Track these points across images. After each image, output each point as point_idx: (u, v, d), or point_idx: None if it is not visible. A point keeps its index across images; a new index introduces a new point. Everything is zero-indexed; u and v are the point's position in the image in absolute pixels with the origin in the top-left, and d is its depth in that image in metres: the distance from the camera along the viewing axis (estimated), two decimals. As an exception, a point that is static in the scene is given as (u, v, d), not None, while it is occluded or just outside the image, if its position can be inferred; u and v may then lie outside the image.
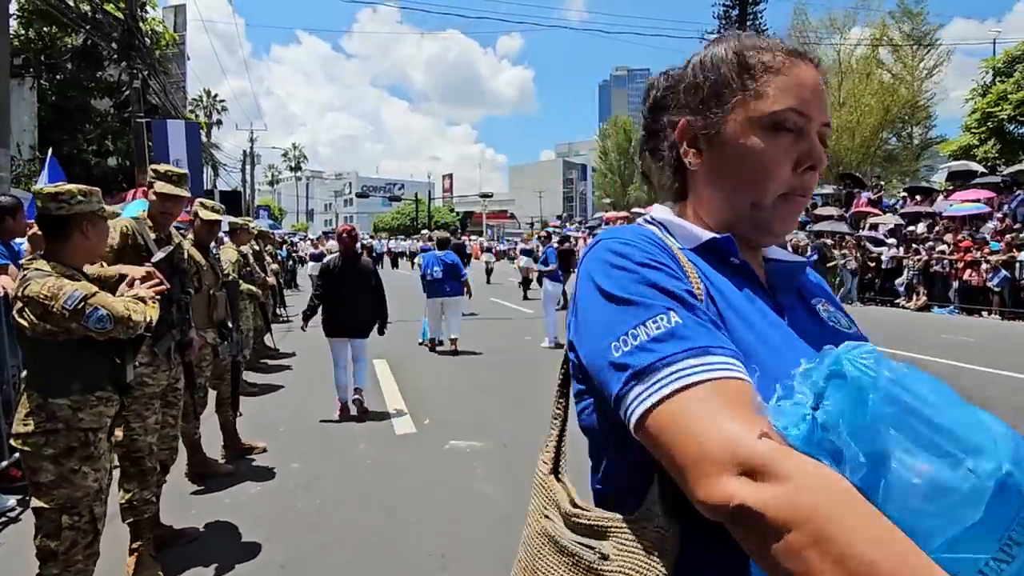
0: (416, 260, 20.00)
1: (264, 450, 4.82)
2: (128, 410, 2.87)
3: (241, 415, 4.99)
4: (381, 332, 5.88)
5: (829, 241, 17.72)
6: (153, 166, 3.40)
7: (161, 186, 3.23)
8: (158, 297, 2.56)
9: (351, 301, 5.69)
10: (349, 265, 5.73)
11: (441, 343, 9.11)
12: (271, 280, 8.34)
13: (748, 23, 39.75)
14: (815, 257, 17.03)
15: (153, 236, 3.24)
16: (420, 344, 9.35)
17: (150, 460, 2.99)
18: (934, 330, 11.71)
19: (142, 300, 2.43)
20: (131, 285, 2.52)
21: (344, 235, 5.78)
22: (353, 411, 5.71)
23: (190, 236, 4.26)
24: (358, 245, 5.89)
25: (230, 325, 4.30)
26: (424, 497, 3.94)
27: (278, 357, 8.67)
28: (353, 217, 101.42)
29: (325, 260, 6.20)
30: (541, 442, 0.91)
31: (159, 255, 3.06)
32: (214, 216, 4.18)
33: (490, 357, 8.59)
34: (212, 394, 4.91)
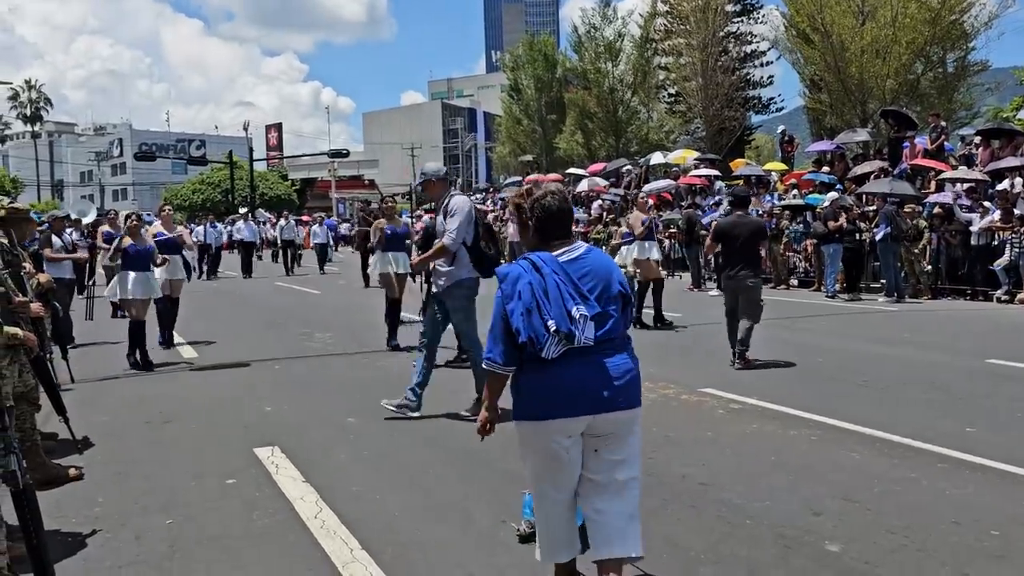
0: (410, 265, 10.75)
1: None
2: None
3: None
4: None
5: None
6: None
7: None
8: None
9: None
10: None
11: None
12: (36, 307, 5.94)
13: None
14: (886, 229, 16.14)
15: None
16: (521, 535, 4.44)
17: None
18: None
19: None
20: None
21: None
22: None
23: None
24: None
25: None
26: None
27: (59, 451, 6.30)
28: (128, 190, 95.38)
29: None
30: None
31: None
32: None
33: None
34: None
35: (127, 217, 11.35)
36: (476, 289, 7.27)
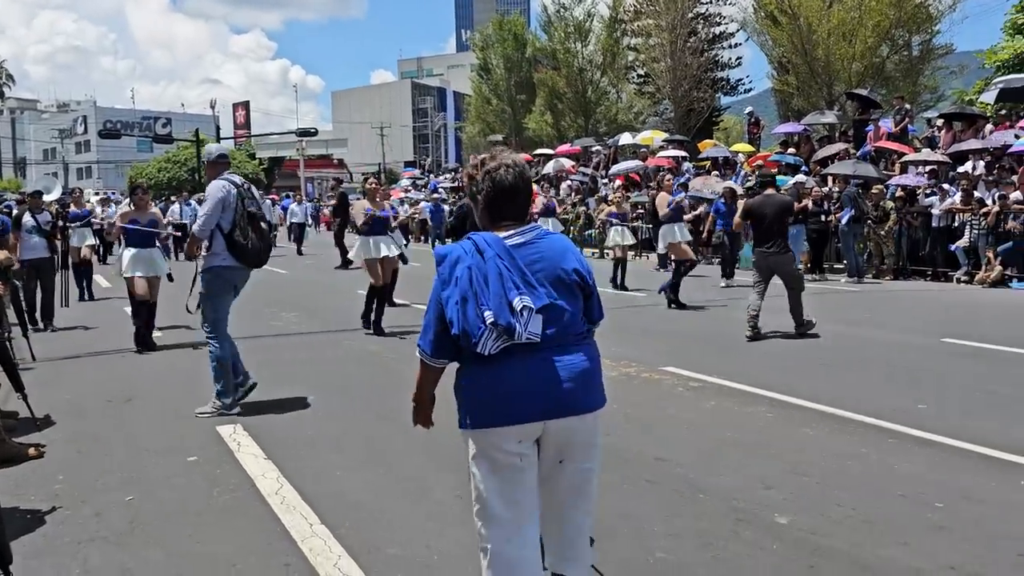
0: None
1: None
2: None
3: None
4: None
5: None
6: None
7: None
8: None
9: None
10: None
11: None
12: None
13: None
14: (851, 212, 16.35)
15: None
16: None
17: None
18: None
19: None
20: None
21: None
22: None
23: None
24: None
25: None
26: None
27: (19, 429, 6.26)
28: (93, 168, 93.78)
29: None
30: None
31: None
32: None
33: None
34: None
35: (134, 190, 11.14)
36: (229, 278, 6.93)
